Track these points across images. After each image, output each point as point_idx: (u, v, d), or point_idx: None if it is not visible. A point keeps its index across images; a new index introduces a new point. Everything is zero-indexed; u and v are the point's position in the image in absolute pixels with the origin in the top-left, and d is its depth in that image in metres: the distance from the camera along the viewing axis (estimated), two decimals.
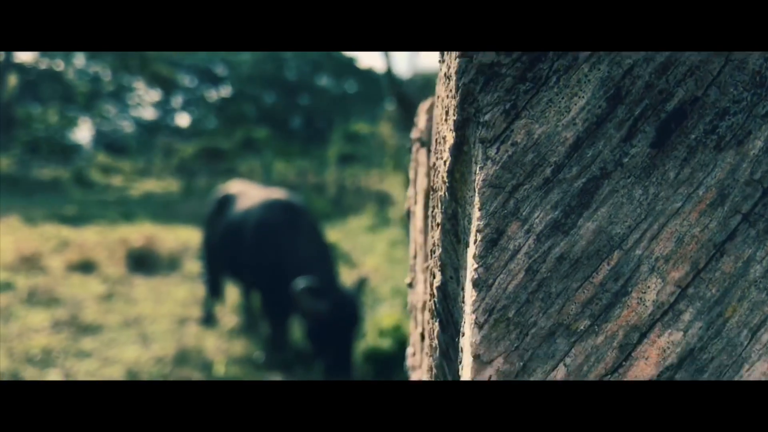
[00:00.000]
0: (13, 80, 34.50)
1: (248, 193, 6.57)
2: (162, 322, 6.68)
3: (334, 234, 11.99)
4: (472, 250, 0.52)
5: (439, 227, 0.60)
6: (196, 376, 5.05)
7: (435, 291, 0.60)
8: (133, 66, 39.17)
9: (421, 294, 0.83)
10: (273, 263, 5.64)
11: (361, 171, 23.36)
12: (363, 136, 37.42)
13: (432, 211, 0.65)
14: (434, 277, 0.61)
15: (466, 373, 0.51)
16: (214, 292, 6.94)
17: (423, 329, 0.84)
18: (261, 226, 5.84)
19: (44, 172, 35.19)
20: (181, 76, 52.97)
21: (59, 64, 37.98)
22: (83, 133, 59.11)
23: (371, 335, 5.65)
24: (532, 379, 0.48)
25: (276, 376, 5.18)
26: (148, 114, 70.79)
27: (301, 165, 35.82)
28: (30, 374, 5.07)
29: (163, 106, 69.23)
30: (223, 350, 5.73)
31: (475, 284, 0.49)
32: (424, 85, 12.82)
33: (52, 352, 5.62)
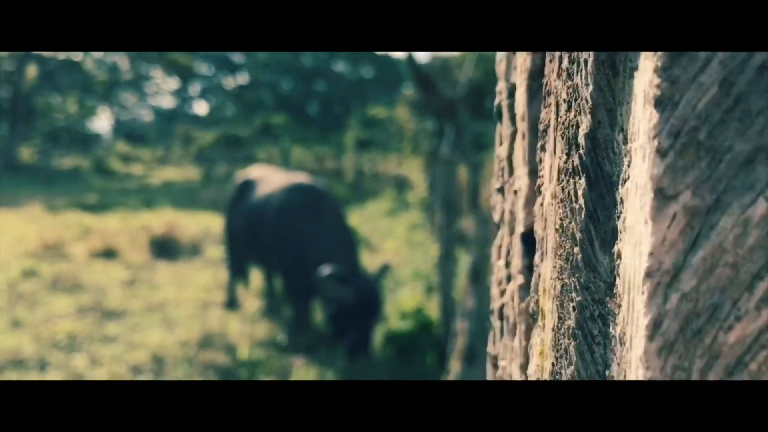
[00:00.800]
0: (32, 71, 34.76)
1: (270, 178, 6.56)
2: (185, 307, 6.72)
3: (353, 218, 11.98)
4: (649, 64, 0.43)
5: (592, 59, 0.51)
6: (220, 359, 5.08)
7: (582, 140, 0.52)
8: (151, 55, 39.26)
9: (524, 189, 0.74)
10: (295, 247, 5.64)
11: (378, 156, 23.32)
12: (380, 121, 37.33)
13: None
14: (578, 127, 0.53)
15: (638, 216, 0.44)
16: (237, 276, 6.97)
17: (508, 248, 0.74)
18: (283, 210, 5.84)
19: (65, 162, 35.53)
20: (199, 64, 52.99)
21: (77, 55, 38.12)
22: (102, 122, 59.49)
23: (393, 318, 5.65)
24: (726, 215, 0.40)
25: (299, 359, 5.19)
26: (167, 102, 70.92)
27: (319, 151, 35.86)
28: (56, 359, 5.12)
29: (181, 94, 69.45)
30: (246, 334, 5.75)
31: (658, 103, 0.41)
32: (444, 68, 12.73)
33: (77, 337, 5.67)
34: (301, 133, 43.77)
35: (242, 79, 64.62)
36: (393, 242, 9.75)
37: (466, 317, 2.39)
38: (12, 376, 4.72)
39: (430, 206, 9.29)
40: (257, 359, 5.10)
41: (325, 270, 5.00)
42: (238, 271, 6.98)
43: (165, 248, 9.64)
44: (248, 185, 6.72)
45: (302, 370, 4.76)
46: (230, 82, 64.16)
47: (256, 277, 7.40)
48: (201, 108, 70.48)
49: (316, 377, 4.65)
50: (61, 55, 36.42)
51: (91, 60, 45.45)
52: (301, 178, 6.31)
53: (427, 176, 9.33)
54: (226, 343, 5.43)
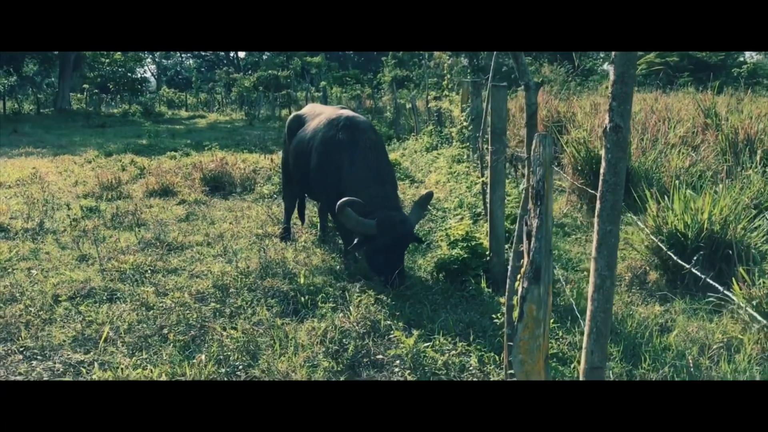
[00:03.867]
0: None
1: (317, 113, 6.65)
2: (242, 240, 6.94)
3: (394, 154, 12.04)
4: None
5: None
6: (281, 286, 5.26)
7: None
8: None
9: None
10: (334, 179, 5.76)
11: (416, 93, 23.14)
12: (415, 59, 36.84)
13: None
14: None
15: None
16: (292, 208, 7.19)
17: None
18: (322, 142, 5.96)
19: (115, 108, 36.13)
20: None
21: None
22: (148, 68, 60.01)
23: (443, 246, 5.75)
24: None
25: (355, 284, 5.36)
26: None
27: (357, 90, 35.72)
28: (124, 290, 5.38)
29: None
30: (302, 262, 5.93)
31: None
32: None
33: (142, 269, 5.93)
34: (338, 73, 43.64)
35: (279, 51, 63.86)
36: (436, 176, 9.79)
37: (531, 237, 2.46)
38: (82, 307, 4.98)
39: (472, 138, 9.27)
40: (316, 285, 5.28)
41: (343, 203, 5.11)
42: (292, 204, 7.19)
43: (217, 185, 9.88)
44: (298, 121, 6.83)
45: (359, 295, 4.91)
46: None
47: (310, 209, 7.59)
48: (241, 52, 70.56)
49: (372, 302, 4.80)
50: None
51: None
52: (344, 112, 6.36)
53: (468, 108, 9.27)
54: (284, 271, 5.61)
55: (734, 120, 9.35)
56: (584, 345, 1.87)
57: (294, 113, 7.25)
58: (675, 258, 3.27)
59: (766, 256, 5.23)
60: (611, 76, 1.64)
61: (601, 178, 1.74)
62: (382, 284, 5.26)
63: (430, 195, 5.80)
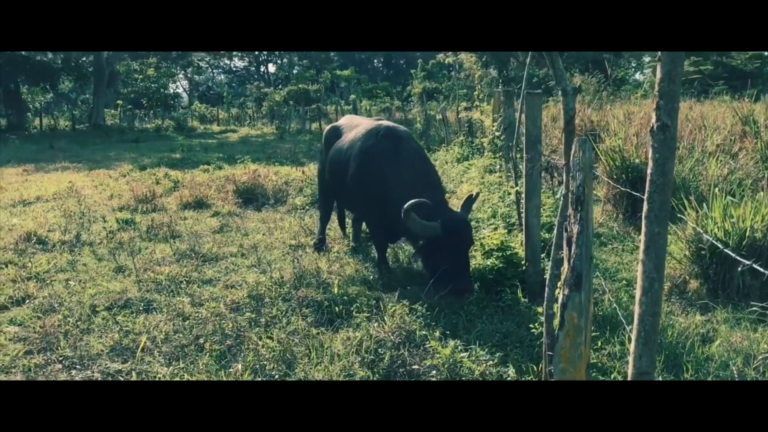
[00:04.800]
0: None
1: (354, 124, 6.68)
2: (276, 251, 6.97)
3: None
4: None
5: None
6: (315, 296, 5.26)
7: None
8: None
9: None
10: (375, 189, 5.75)
11: (446, 104, 23.14)
12: (443, 72, 36.84)
13: None
14: None
15: None
16: (327, 218, 7.22)
17: None
18: (364, 152, 5.94)
19: (148, 123, 36.68)
20: None
21: None
22: (180, 84, 60.91)
23: (477, 256, 5.70)
24: None
25: (389, 295, 5.33)
26: (239, 63, 72.10)
27: (386, 102, 35.84)
28: (160, 300, 5.42)
29: (252, 53, 70.10)
30: (336, 273, 5.92)
31: None
32: None
33: (177, 280, 5.97)
34: (368, 86, 43.87)
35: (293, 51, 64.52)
36: (468, 186, 9.75)
37: (571, 244, 2.42)
38: (119, 317, 5.03)
39: (504, 148, 9.22)
40: (350, 295, 5.27)
41: (409, 206, 5.08)
42: (327, 215, 7.23)
43: (250, 197, 9.95)
44: (335, 132, 6.86)
45: (394, 305, 4.89)
46: None
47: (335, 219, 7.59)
48: (271, 67, 71.38)
49: (407, 312, 4.77)
50: None
51: None
52: (383, 122, 6.38)
53: (499, 118, 9.24)
54: (318, 281, 5.61)
55: None
56: (632, 350, 1.83)
57: (331, 125, 7.30)
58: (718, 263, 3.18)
59: None
60: (658, 74, 1.60)
61: (648, 178, 1.70)
62: (447, 294, 5.16)
63: (475, 196, 5.80)
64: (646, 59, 49.97)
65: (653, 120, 1.62)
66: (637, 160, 7.48)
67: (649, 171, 1.70)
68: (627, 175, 7.55)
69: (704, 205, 5.63)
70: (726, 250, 2.99)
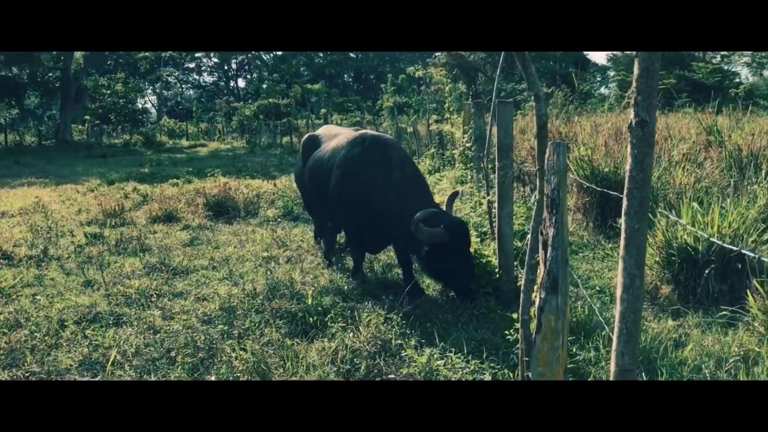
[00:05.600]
0: (79, 52, 35.32)
1: (334, 133, 6.62)
2: (248, 263, 6.89)
3: None
4: None
5: None
6: (289, 307, 5.20)
7: None
8: None
9: None
10: (360, 197, 5.67)
11: (416, 118, 23.29)
12: (414, 85, 37.10)
13: None
14: None
15: None
16: (320, 226, 7.21)
17: None
18: (350, 161, 5.84)
19: (116, 138, 36.26)
20: None
21: None
22: (148, 99, 60.44)
23: None
24: None
25: (364, 305, 5.31)
26: (208, 78, 71.84)
27: (357, 116, 35.91)
28: (130, 314, 5.32)
29: (221, 68, 69.94)
30: (309, 284, 5.87)
31: None
32: None
33: (148, 293, 5.87)
34: (339, 99, 43.96)
35: (278, 52, 64.81)
36: (439, 197, 9.77)
37: (547, 247, 2.42)
38: (89, 331, 4.93)
39: (475, 158, 9.29)
40: (325, 305, 5.22)
41: (418, 216, 5.11)
42: (318, 224, 7.23)
43: (221, 210, 9.86)
44: (313, 141, 6.80)
45: (369, 315, 4.85)
46: (267, 55, 64.38)
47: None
48: (240, 82, 71.19)
49: (382, 321, 4.74)
50: None
51: None
52: (367, 131, 6.34)
53: (470, 130, 9.32)
54: (292, 292, 5.56)
55: (736, 137, 9.34)
56: (614, 347, 1.83)
57: (309, 134, 7.22)
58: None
59: None
60: (635, 71, 1.61)
61: (627, 175, 1.71)
62: (460, 295, 5.26)
63: (456, 194, 5.82)
64: (611, 73, 50.82)
65: (631, 116, 1.63)
66: (606, 169, 7.56)
67: (627, 167, 1.71)
68: (597, 184, 7.63)
69: (673, 211, 5.70)
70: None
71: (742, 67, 50.40)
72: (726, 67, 42.82)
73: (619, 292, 1.78)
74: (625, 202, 1.71)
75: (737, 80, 37.61)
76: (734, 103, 17.83)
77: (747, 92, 29.69)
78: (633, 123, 1.62)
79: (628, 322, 1.76)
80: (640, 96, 1.59)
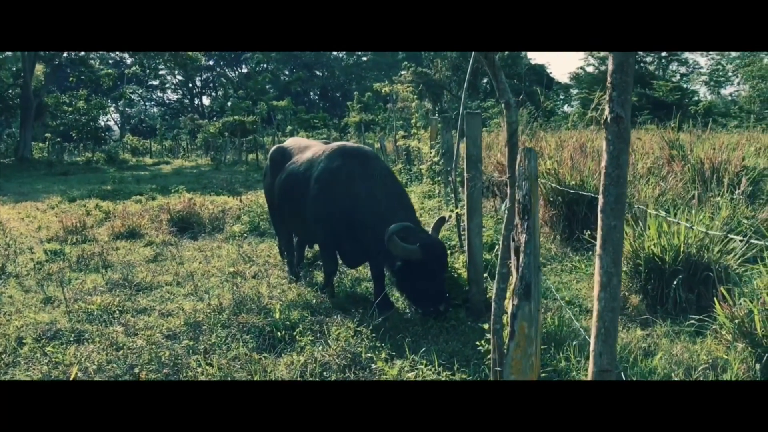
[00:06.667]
0: (39, 69, 34.73)
1: (304, 145, 6.48)
2: (213, 278, 6.77)
3: None
4: None
5: None
6: (256, 322, 5.10)
7: None
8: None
9: None
10: (341, 210, 5.49)
11: (383, 134, 23.37)
12: (380, 103, 37.25)
13: None
14: None
15: None
16: (285, 242, 7.01)
17: None
18: (331, 173, 5.64)
19: (78, 156, 35.66)
20: (202, 57, 53.19)
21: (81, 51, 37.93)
22: (111, 117, 59.67)
23: None
24: None
25: (333, 318, 5.24)
26: (172, 95, 71.29)
27: (324, 133, 35.90)
28: (92, 330, 5.17)
29: (186, 86, 69.49)
30: (276, 298, 5.77)
31: None
32: None
33: (110, 309, 5.72)
34: (306, 115, 43.93)
35: (244, 69, 64.80)
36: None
37: (519, 253, 2.40)
38: (48, 348, 4.77)
39: (443, 173, 9.32)
40: (293, 320, 5.13)
41: (392, 229, 4.99)
42: (283, 238, 7.03)
43: (186, 226, 9.70)
44: (283, 153, 6.61)
45: (338, 328, 4.78)
46: (233, 72, 64.24)
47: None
48: (205, 99, 70.75)
49: (352, 334, 4.67)
50: (64, 53, 36.31)
51: (96, 56, 45.41)
52: (344, 142, 6.21)
53: (437, 145, 9.37)
54: (259, 306, 5.46)
55: (698, 151, 9.52)
56: (592, 347, 1.80)
57: (277, 145, 7.01)
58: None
59: (743, 278, 5.24)
60: (610, 66, 1.60)
61: (602, 172, 1.69)
62: (426, 314, 5.15)
63: (443, 219, 5.71)
64: (574, 91, 51.72)
65: (606, 112, 1.61)
66: (572, 182, 7.62)
67: (603, 164, 1.69)
68: (563, 197, 7.68)
69: (640, 222, 5.75)
70: None
71: (700, 85, 51.74)
72: (685, 86, 43.95)
73: (596, 291, 1.76)
74: (601, 199, 1.69)
75: (696, 98, 38.65)
76: (694, 120, 18.28)
77: (706, 110, 30.50)
78: (608, 119, 1.60)
79: (606, 321, 1.73)
80: (615, 91, 1.58)
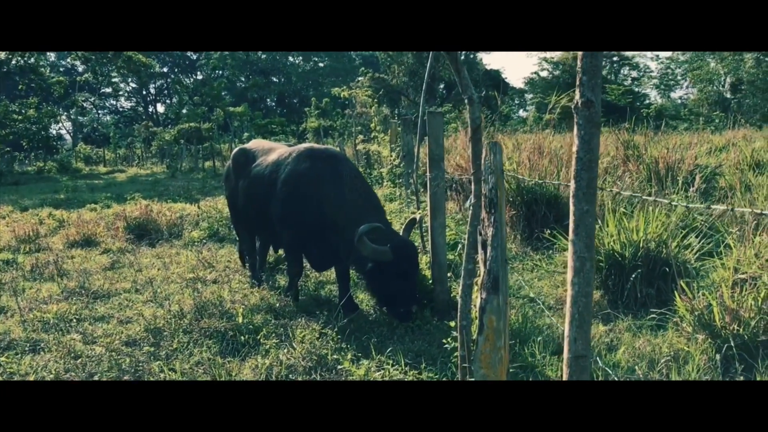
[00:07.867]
0: None
1: (267, 148, 6.37)
2: (173, 284, 6.64)
3: None
4: None
5: None
6: (218, 326, 5.01)
7: None
8: (108, 56, 38.19)
9: None
10: (314, 214, 5.42)
11: (342, 139, 23.34)
12: (338, 108, 37.22)
13: None
14: None
15: None
16: (247, 246, 6.89)
17: None
18: (300, 175, 5.56)
19: (29, 166, 34.77)
20: (156, 63, 52.29)
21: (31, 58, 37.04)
22: (63, 125, 58.35)
23: None
24: None
25: (297, 321, 5.18)
26: (126, 103, 70.10)
27: (282, 139, 35.71)
28: (48, 339, 5.02)
29: (140, 93, 68.43)
30: (239, 302, 5.69)
31: None
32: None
33: (67, 318, 5.57)
34: (263, 121, 43.63)
35: (199, 75, 64.05)
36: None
37: (486, 247, 2.39)
38: (2, 359, 4.62)
39: (404, 175, 9.34)
40: (256, 323, 5.06)
41: (362, 229, 4.93)
42: (246, 242, 6.90)
43: (143, 233, 9.51)
44: (246, 155, 6.47)
45: (303, 330, 4.73)
46: (188, 79, 63.46)
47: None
48: (160, 106, 69.74)
49: (317, 336, 4.63)
50: (13, 60, 35.41)
51: (46, 63, 44.41)
52: (312, 144, 6.13)
53: (398, 148, 9.39)
54: (221, 311, 5.36)
55: (653, 151, 9.72)
56: (566, 333, 1.80)
57: (239, 147, 6.84)
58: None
59: (699, 272, 5.35)
60: (579, 51, 1.61)
61: (574, 157, 1.70)
62: (396, 316, 5.11)
63: (414, 221, 5.67)
64: (529, 96, 52.44)
65: (577, 97, 1.62)
66: (531, 183, 7.70)
67: (574, 149, 1.70)
68: (522, 197, 7.76)
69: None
70: None
71: (651, 89, 52.96)
72: (637, 89, 44.92)
73: (569, 276, 1.76)
74: (572, 185, 1.69)
75: (647, 101, 39.57)
76: (646, 122, 18.74)
77: (657, 112, 31.26)
78: (579, 103, 1.61)
79: (579, 306, 1.73)
80: (585, 76, 1.58)
